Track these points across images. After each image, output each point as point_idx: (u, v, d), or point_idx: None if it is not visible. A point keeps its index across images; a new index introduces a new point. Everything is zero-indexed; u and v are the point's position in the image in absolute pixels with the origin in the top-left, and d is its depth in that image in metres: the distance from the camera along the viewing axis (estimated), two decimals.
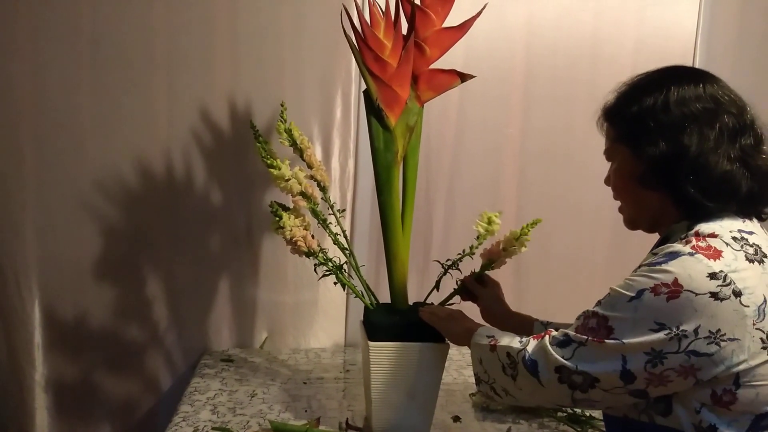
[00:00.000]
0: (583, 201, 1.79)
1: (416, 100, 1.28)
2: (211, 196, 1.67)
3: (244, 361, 1.66)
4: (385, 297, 1.37)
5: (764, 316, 0.83)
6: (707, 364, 0.83)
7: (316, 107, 1.67)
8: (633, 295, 0.86)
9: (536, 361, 0.94)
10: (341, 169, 1.72)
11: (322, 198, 1.40)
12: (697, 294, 0.82)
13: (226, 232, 1.69)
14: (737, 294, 0.82)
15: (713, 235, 0.87)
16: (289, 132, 1.39)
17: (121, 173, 1.61)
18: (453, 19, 1.29)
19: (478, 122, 1.75)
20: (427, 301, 1.35)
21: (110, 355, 1.68)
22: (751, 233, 0.89)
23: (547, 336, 0.95)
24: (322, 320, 1.77)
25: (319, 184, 1.39)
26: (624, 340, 0.85)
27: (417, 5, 1.25)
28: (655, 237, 1.00)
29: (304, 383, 1.54)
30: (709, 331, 0.82)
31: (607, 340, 0.87)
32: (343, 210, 1.55)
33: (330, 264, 1.31)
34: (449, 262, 1.35)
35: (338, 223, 1.39)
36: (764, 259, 0.87)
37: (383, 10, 1.24)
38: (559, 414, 1.38)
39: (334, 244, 1.38)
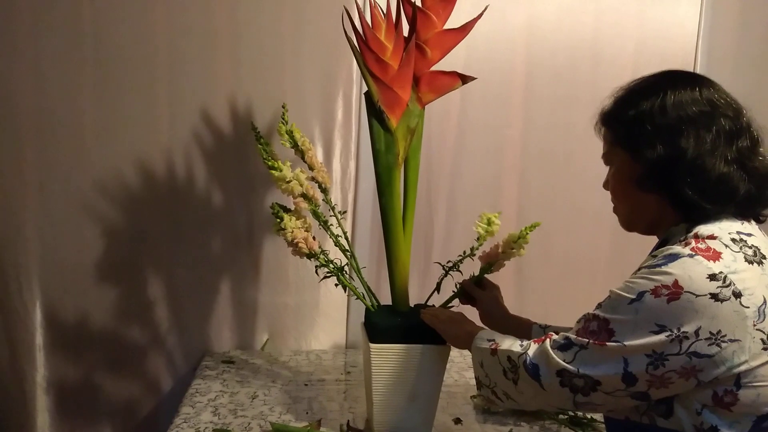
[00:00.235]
0: (584, 202, 1.79)
1: (417, 101, 1.28)
2: (212, 197, 1.67)
3: (245, 362, 1.66)
4: (386, 299, 1.37)
5: (764, 317, 0.83)
6: (708, 366, 0.83)
7: (318, 109, 1.67)
8: (633, 297, 0.86)
9: (537, 365, 0.94)
10: (342, 171, 1.72)
11: (323, 199, 1.40)
12: (697, 295, 0.82)
13: (227, 234, 1.69)
14: (737, 295, 0.82)
15: (712, 237, 0.87)
16: (290, 133, 1.39)
17: (122, 174, 1.61)
18: (454, 21, 1.29)
19: (479, 124, 1.76)
20: (428, 303, 1.35)
21: (111, 357, 1.68)
22: (749, 235, 0.89)
23: (548, 340, 0.95)
24: (323, 322, 1.77)
25: (320, 186, 1.39)
26: (625, 343, 0.85)
27: (418, 7, 1.25)
28: (655, 239, 1.00)
29: (305, 385, 1.54)
30: (710, 333, 0.82)
31: (608, 343, 0.87)
32: (345, 212, 1.55)
33: (331, 266, 1.31)
34: (450, 264, 1.35)
35: (339, 224, 1.39)
36: (763, 261, 0.87)
37: (384, 11, 1.25)
38: (561, 417, 1.38)
39: (336, 245, 1.38)
